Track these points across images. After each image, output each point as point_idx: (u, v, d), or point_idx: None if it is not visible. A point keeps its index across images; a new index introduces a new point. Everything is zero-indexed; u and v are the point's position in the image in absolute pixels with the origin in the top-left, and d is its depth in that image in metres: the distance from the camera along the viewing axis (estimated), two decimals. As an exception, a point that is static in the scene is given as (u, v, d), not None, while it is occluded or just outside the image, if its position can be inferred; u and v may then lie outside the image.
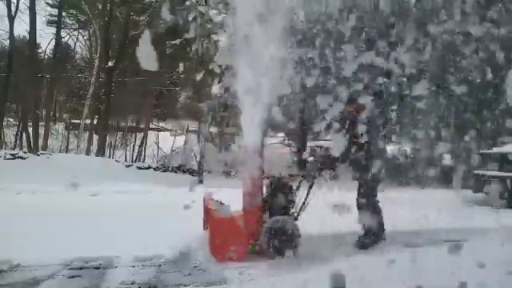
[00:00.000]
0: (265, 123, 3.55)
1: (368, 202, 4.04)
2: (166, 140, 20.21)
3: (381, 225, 4.18)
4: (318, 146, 4.26)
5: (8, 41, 15.93)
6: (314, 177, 3.99)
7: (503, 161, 8.15)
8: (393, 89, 7.75)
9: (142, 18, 18.90)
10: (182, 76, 16.27)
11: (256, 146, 3.63)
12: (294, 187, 3.90)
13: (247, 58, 3.42)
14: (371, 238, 4.04)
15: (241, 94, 3.57)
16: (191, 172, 15.10)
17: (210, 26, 9.30)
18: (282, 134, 16.61)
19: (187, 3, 9.51)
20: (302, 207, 3.85)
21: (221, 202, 3.85)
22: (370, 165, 3.98)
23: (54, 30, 18.13)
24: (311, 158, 4.11)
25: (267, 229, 3.52)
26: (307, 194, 3.89)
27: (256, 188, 3.65)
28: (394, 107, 8.67)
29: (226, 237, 3.45)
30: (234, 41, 3.52)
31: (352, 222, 4.05)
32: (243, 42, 3.41)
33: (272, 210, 3.73)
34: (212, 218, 3.64)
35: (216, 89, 9.46)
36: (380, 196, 4.29)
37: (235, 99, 3.70)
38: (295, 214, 3.83)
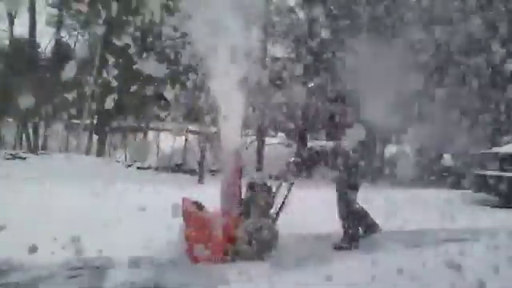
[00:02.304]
0: (245, 123, 3.52)
1: (347, 209, 3.98)
2: (167, 140, 20.15)
3: (369, 226, 4.12)
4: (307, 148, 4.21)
5: (8, 41, 15.93)
6: (295, 177, 3.95)
7: (503, 161, 8.14)
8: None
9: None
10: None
11: (235, 146, 3.61)
12: (274, 188, 3.82)
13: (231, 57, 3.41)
14: (347, 242, 3.99)
15: (220, 94, 3.56)
16: (191, 172, 15.07)
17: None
18: (282, 134, 16.59)
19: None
20: (280, 208, 3.78)
21: (198, 203, 3.76)
22: (346, 170, 3.93)
23: (53, 30, 18.09)
24: (293, 159, 4.07)
25: (245, 231, 3.45)
26: (286, 195, 3.84)
27: (234, 189, 3.60)
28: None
29: (200, 238, 3.35)
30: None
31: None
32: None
33: (251, 211, 3.63)
34: (187, 218, 3.56)
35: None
36: (379, 196, 4.29)
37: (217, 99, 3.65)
38: (274, 216, 3.75)
